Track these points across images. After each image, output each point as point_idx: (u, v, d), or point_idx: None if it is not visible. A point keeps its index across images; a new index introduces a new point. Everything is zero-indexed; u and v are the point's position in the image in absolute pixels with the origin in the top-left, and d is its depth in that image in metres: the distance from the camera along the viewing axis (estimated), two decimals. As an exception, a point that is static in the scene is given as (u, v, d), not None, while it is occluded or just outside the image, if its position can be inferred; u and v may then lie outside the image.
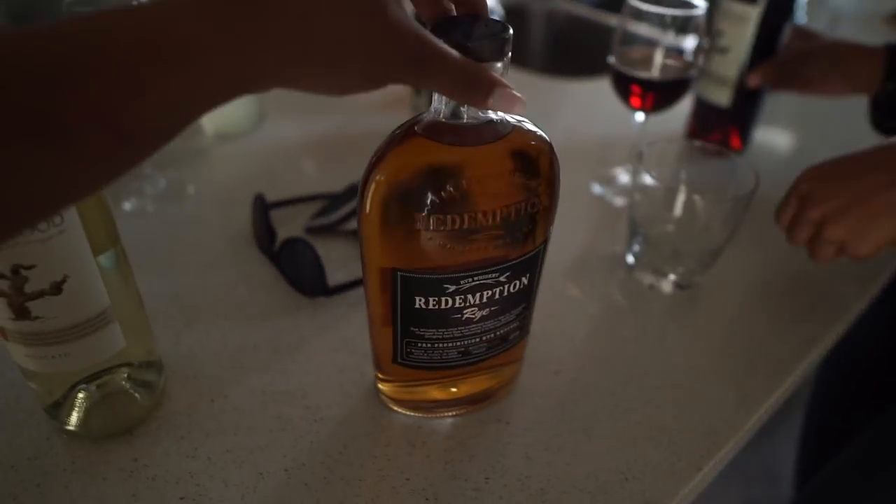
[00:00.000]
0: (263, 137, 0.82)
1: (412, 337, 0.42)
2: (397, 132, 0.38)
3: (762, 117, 0.84)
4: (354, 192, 0.66)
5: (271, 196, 0.67)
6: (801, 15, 1.19)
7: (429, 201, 0.36)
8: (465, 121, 0.37)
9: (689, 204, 0.57)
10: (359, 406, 0.48)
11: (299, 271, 0.57)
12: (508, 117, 0.38)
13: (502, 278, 0.40)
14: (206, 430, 0.46)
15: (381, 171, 0.37)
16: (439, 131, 0.37)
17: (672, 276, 0.61)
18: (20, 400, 0.48)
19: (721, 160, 0.62)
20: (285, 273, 0.58)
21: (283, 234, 0.63)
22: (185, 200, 0.70)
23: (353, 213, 0.65)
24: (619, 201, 0.74)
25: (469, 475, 0.44)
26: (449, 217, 0.36)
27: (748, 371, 0.53)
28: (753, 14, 0.74)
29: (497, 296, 0.41)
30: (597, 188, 0.75)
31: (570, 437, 0.47)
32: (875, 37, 1.26)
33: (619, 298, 0.60)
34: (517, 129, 0.38)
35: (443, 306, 0.40)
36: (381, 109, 0.89)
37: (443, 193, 0.36)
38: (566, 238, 0.67)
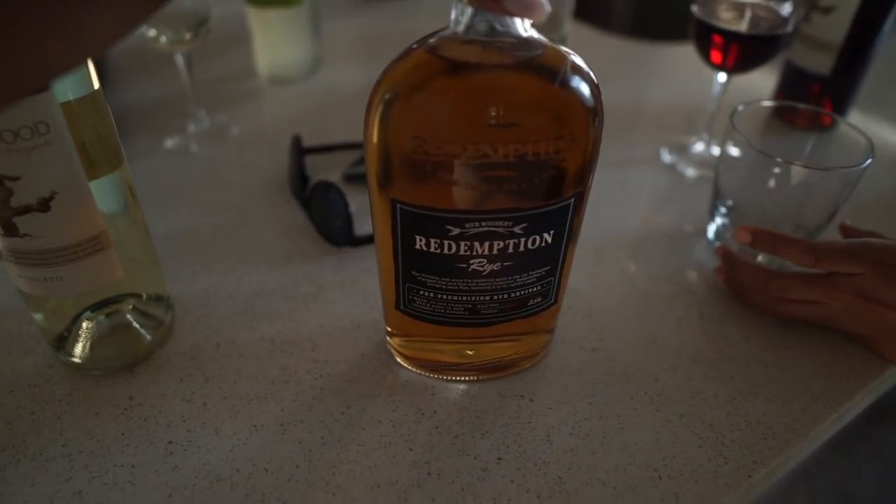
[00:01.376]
0: (318, 84, 0.79)
1: (413, 283, 0.38)
2: (413, 45, 0.33)
3: (861, 93, 0.74)
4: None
5: (316, 141, 0.64)
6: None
7: (433, 124, 0.31)
8: (485, 37, 0.32)
9: (786, 174, 0.49)
10: (369, 365, 0.44)
11: (327, 218, 0.53)
12: (543, 39, 0.33)
13: (517, 230, 0.35)
14: (206, 374, 0.43)
15: (382, 88, 0.32)
16: (454, 47, 0.32)
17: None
18: (31, 326, 0.46)
19: (819, 128, 0.54)
20: (313, 219, 0.55)
21: (318, 179, 0.60)
22: (227, 141, 0.68)
23: (393, 164, 0.61)
24: (692, 172, 0.66)
25: (479, 453, 0.39)
26: (454, 146, 0.31)
27: (820, 371, 0.46)
28: (867, -33, 0.64)
29: (511, 249, 0.36)
30: (667, 157, 0.68)
31: (601, 424, 0.41)
32: None
33: (678, 277, 0.53)
34: (550, 53, 0.33)
35: (445, 251, 0.36)
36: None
37: (450, 117, 0.31)
38: (628, 207, 0.61)
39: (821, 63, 0.71)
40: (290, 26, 0.75)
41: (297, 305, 0.49)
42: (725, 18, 0.60)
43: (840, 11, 0.67)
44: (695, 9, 0.61)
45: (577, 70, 0.33)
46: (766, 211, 0.52)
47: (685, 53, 0.91)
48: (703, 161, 0.67)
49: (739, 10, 0.60)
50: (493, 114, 0.32)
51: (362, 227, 0.53)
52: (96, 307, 0.42)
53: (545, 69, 0.33)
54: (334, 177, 0.61)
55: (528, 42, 0.32)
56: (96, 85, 0.36)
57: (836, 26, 0.68)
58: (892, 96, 0.86)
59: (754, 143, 0.50)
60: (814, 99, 0.74)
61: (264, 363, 0.44)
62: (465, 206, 0.34)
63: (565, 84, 0.33)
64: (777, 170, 0.49)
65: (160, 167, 0.63)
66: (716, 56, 0.61)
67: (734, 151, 0.51)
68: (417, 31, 0.95)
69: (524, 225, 0.35)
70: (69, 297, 0.40)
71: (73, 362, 0.43)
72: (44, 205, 0.35)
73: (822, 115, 0.58)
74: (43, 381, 0.43)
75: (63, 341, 0.42)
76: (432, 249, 0.36)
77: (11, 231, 0.35)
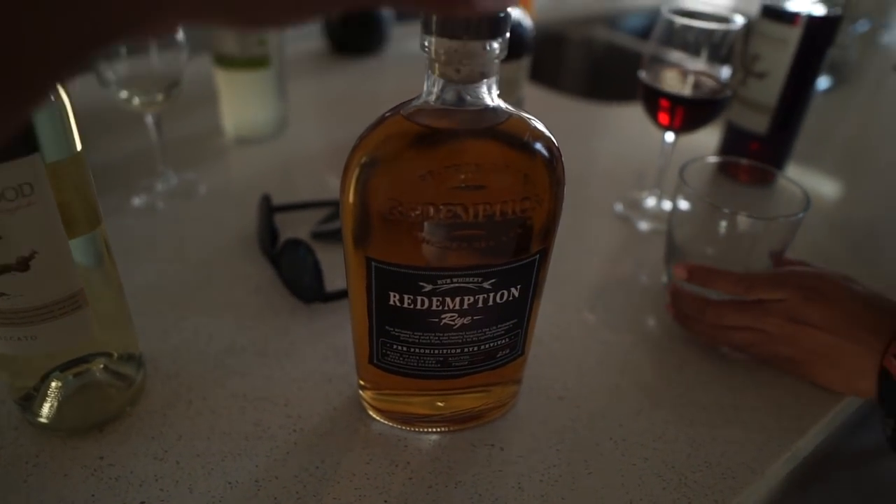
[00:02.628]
0: (284, 143, 0.81)
1: (387, 337, 0.39)
2: (385, 113, 0.36)
3: (796, 150, 0.79)
4: (365, 199, 0.64)
5: (283, 199, 0.66)
6: (853, 53, 1.15)
7: (407, 187, 0.33)
8: (457, 105, 0.34)
9: (732, 224, 0.53)
10: (342, 419, 0.45)
11: (297, 275, 0.54)
12: (507, 107, 0.35)
13: (486, 285, 0.37)
14: (178, 432, 0.43)
15: (360, 152, 0.34)
16: (427, 115, 0.34)
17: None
18: (-5, 387, 0.46)
19: (760, 182, 0.58)
20: (283, 276, 0.56)
21: (287, 237, 0.61)
22: (195, 199, 0.69)
23: (361, 221, 0.62)
24: (644, 226, 0.70)
25: (453, 502, 0.40)
26: (424, 207, 0.34)
27: (773, 411, 0.48)
28: (793, 36, 0.70)
29: (481, 304, 0.38)
30: (621, 210, 0.72)
31: (569, 469, 0.43)
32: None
33: (637, 325, 0.56)
34: (517, 120, 0.35)
35: (418, 306, 0.37)
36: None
37: (421, 181, 0.33)
38: (584, 259, 0.64)
39: (758, 122, 0.76)
40: (256, 87, 0.78)
41: (269, 361, 0.49)
42: (670, 83, 0.65)
43: (772, 76, 0.73)
44: (642, 74, 0.65)
45: (539, 135, 0.36)
46: (715, 259, 0.55)
47: (632, 113, 0.97)
48: (655, 214, 0.71)
49: (683, 75, 0.65)
50: (463, 177, 0.34)
51: (331, 283, 0.55)
52: (66, 366, 0.42)
53: (511, 135, 0.35)
54: (303, 234, 0.63)
55: (495, 110, 0.35)
56: (79, 146, 0.37)
57: (769, 90, 0.74)
58: (824, 153, 0.92)
59: (703, 196, 0.53)
60: (753, 156, 0.79)
61: (237, 419, 0.44)
62: (437, 263, 0.36)
63: (528, 147, 0.35)
64: (724, 221, 0.53)
65: (128, 225, 0.64)
66: (663, 118, 0.65)
67: (685, 205, 0.55)
68: (380, 91, 0.99)
69: (493, 280, 0.37)
70: (42, 356, 0.40)
71: (41, 423, 0.42)
72: (23, 264, 0.35)
73: (762, 170, 0.62)
74: (8, 442, 0.42)
75: (30, 401, 0.42)
76: (406, 305, 0.38)
77: (-12, 292, 0.35)
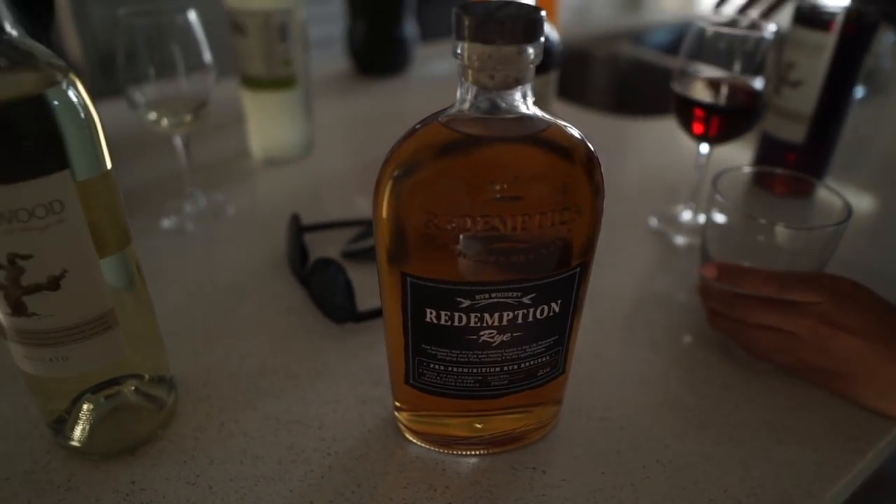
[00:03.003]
0: (311, 164, 0.81)
1: (424, 356, 0.38)
2: (417, 127, 0.35)
3: (835, 161, 0.77)
4: (395, 217, 0.63)
5: (311, 219, 0.65)
6: (886, 59, 1.13)
7: (443, 199, 0.32)
8: (492, 113, 0.33)
9: (770, 236, 0.51)
10: (378, 441, 0.44)
11: (329, 295, 0.53)
12: (544, 115, 0.34)
13: (526, 300, 0.36)
14: (211, 456, 0.42)
15: (394, 162, 0.33)
16: (463, 123, 0.33)
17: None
18: (28, 410, 0.45)
19: (798, 193, 0.56)
20: (314, 296, 0.55)
21: (317, 256, 0.60)
22: (224, 220, 0.68)
23: (391, 239, 0.61)
24: (680, 240, 0.68)
25: (495, 528, 0.38)
26: (462, 219, 0.32)
27: (829, 431, 0.46)
28: (828, 42, 0.68)
29: (520, 320, 0.36)
30: (656, 225, 0.70)
31: (616, 494, 0.41)
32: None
33: (678, 342, 0.54)
34: (553, 128, 0.34)
35: (456, 323, 0.36)
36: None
37: (458, 191, 0.32)
38: (622, 275, 0.62)
39: (794, 132, 0.74)
40: (283, 109, 0.78)
41: (301, 383, 0.48)
42: (703, 93, 0.63)
43: (808, 84, 0.71)
44: (675, 85, 0.64)
45: (577, 144, 0.35)
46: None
47: (662, 127, 0.95)
48: (692, 229, 0.69)
49: (716, 85, 0.63)
50: (500, 187, 0.33)
51: (364, 302, 0.54)
52: (97, 388, 0.41)
53: (549, 143, 0.34)
54: (333, 254, 0.62)
55: (531, 118, 0.34)
56: (109, 165, 0.36)
57: (805, 98, 0.72)
58: (862, 164, 0.90)
59: (738, 206, 0.51)
60: (790, 167, 0.77)
61: (270, 443, 0.43)
62: (475, 277, 0.35)
63: (568, 156, 0.34)
64: (761, 234, 0.51)
65: (157, 247, 0.63)
66: (697, 128, 0.63)
67: (719, 217, 0.53)
68: (405, 111, 0.99)
69: (533, 295, 0.36)
70: (73, 377, 0.39)
71: (73, 446, 0.42)
72: (54, 283, 0.35)
73: (799, 181, 0.60)
74: (40, 467, 0.41)
75: (62, 424, 0.41)
76: (443, 322, 0.36)
77: (20, 310, 0.35)
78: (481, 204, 0.33)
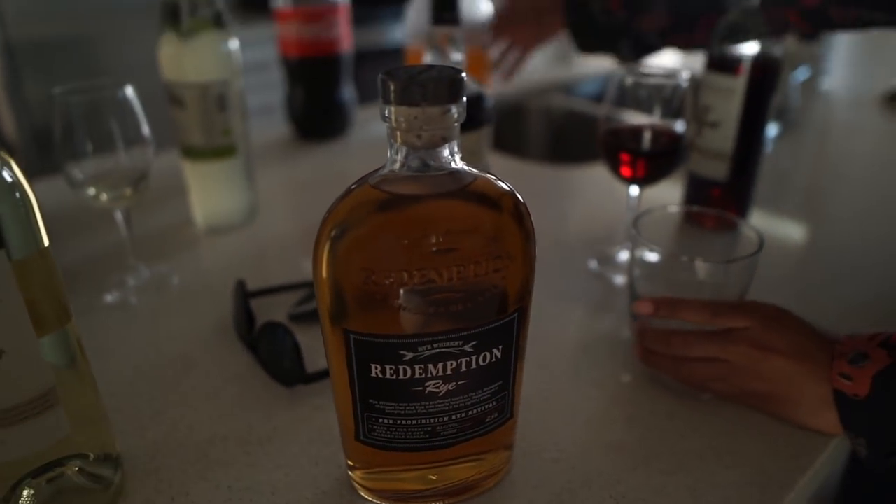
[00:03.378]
0: (255, 231, 0.81)
1: (372, 411, 0.38)
2: (352, 185, 0.36)
3: (759, 194, 0.82)
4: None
5: (257, 285, 0.65)
6: (796, 98, 1.21)
7: (378, 256, 0.34)
8: (423, 171, 0.35)
9: (692, 271, 0.53)
10: (332, 502, 0.43)
11: (277, 358, 0.53)
12: (471, 169, 0.36)
13: (468, 348, 0.37)
14: (160, 533, 0.41)
15: (330, 223, 0.35)
16: (393, 182, 0.35)
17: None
18: (-37, 504, 0.43)
19: (724, 227, 0.59)
20: (262, 360, 0.55)
21: (264, 321, 0.60)
22: (168, 291, 0.68)
23: (338, 298, 0.62)
24: (619, 279, 0.70)
25: (454, 579, 0.38)
26: (398, 274, 0.34)
27: (769, 452, 0.47)
28: (738, 85, 0.73)
29: (464, 368, 0.37)
30: (595, 266, 0.72)
31: (571, 533, 0.41)
32: (870, 119, 1.26)
33: (623, 379, 0.56)
34: (480, 180, 0.36)
35: (401, 375, 0.37)
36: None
37: (393, 248, 0.33)
38: (564, 318, 0.64)
39: (717, 170, 0.78)
40: (225, 177, 0.78)
41: (253, 450, 0.47)
42: (628, 139, 0.67)
43: (724, 125, 0.76)
44: (602, 132, 0.68)
45: (504, 193, 0.36)
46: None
47: (595, 174, 0.99)
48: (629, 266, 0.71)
49: (640, 131, 0.67)
50: (434, 241, 0.34)
51: (312, 364, 0.54)
52: (39, 472, 0.40)
53: (478, 195, 0.36)
54: (280, 318, 0.62)
55: (459, 172, 0.36)
56: (46, 242, 0.36)
57: (723, 138, 0.77)
58: (783, 196, 0.95)
59: (657, 244, 0.54)
60: (717, 203, 0.81)
61: (222, 513, 0.42)
62: (416, 330, 0.36)
63: (496, 206, 0.36)
64: (684, 269, 0.54)
65: (101, 322, 0.62)
66: (625, 171, 0.67)
67: (644, 255, 0.56)
68: (347, 172, 1.00)
69: (474, 343, 0.37)
70: (11, 461, 0.38)
71: (14, 537, 0.40)
72: (-9, 367, 0.34)
73: (722, 216, 0.64)
74: (-22, 563, 0.40)
75: (2, 510, 0.40)
76: (388, 375, 0.37)
77: (-47, 398, 0.34)
78: (417, 258, 0.34)
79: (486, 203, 0.36)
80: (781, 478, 0.45)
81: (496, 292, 0.36)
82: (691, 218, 0.63)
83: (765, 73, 0.73)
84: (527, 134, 1.40)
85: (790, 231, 0.84)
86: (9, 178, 0.34)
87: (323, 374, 0.53)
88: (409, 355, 0.36)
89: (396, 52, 2.45)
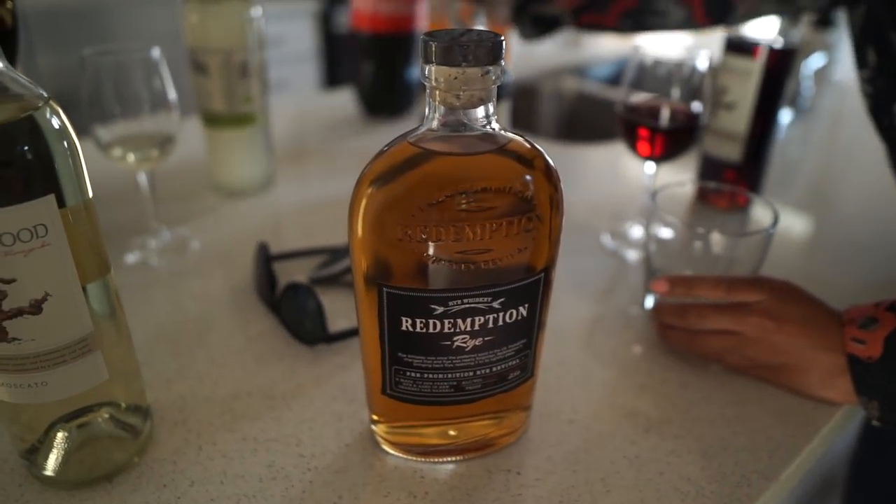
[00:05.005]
0: (271, 197, 0.82)
1: (400, 364, 0.40)
2: (389, 143, 0.37)
3: (769, 178, 0.83)
4: (360, 243, 0.65)
5: (276, 248, 0.66)
6: (808, 86, 1.21)
7: (416, 211, 0.35)
8: (458, 131, 0.36)
9: (707, 245, 0.55)
10: (356, 455, 0.45)
11: (300, 318, 0.54)
12: (505, 131, 0.37)
13: (496, 304, 0.38)
14: (190, 478, 0.43)
15: (366, 179, 0.36)
16: (431, 140, 0.36)
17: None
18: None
19: (736, 206, 0.60)
20: (285, 320, 0.56)
21: (286, 282, 0.61)
22: (188, 254, 0.69)
23: (357, 264, 0.63)
24: (632, 255, 0.71)
25: (475, 528, 0.40)
26: (435, 229, 0.35)
27: (778, 421, 0.49)
28: (755, 68, 0.74)
29: (491, 324, 0.38)
30: (609, 242, 0.73)
31: (587, 489, 0.43)
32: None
33: (636, 348, 0.57)
34: (514, 142, 0.37)
35: (430, 329, 0.38)
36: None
37: (430, 203, 0.34)
38: (580, 290, 0.65)
39: (731, 151, 0.79)
40: (245, 144, 0.79)
41: (277, 404, 0.49)
42: (646, 117, 0.68)
43: (740, 107, 0.77)
44: (620, 110, 0.68)
45: (537, 154, 0.37)
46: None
47: (609, 152, 1.00)
48: (642, 244, 0.72)
49: (657, 109, 0.68)
50: (468, 198, 0.35)
51: (333, 325, 0.55)
52: (71, 417, 0.41)
53: (512, 155, 0.37)
54: (299, 280, 0.63)
55: (495, 134, 0.37)
56: (90, 193, 0.37)
57: (738, 119, 0.78)
58: (794, 181, 0.96)
59: (673, 217, 0.55)
60: (729, 184, 0.82)
61: (249, 462, 0.44)
62: (446, 285, 0.37)
63: (529, 166, 0.37)
64: (699, 241, 0.55)
65: (122, 282, 0.63)
66: (643, 148, 0.68)
67: (660, 230, 0.57)
68: (365, 146, 1.01)
69: (502, 300, 0.38)
70: (51, 403, 0.39)
71: (47, 476, 0.41)
72: (36, 307, 0.35)
73: (734, 194, 0.66)
74: (13, 500, 0.41)
75: (35, 454, 0.41)
76: (418, 329, 0.38)
77: (0, 336, 0.35)
78: (451, 214, 0.35)
79: (521, 162, 0.37)
80: (789, 444, 0.47)
81: (526, 252, 0.38)
82: (703, 197, 0.65)
83: (782, 57, 0.74)
84: (539, 115, 1.40)
85: (799, 216, 0.85)
86: (57, 125, 0.35)
87: (345, 335, 0.54)
88: (440, 309, 0.37)
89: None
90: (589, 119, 1.36)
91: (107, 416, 0.42)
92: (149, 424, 0.45)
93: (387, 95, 1.10)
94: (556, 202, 0.38)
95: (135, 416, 0.44)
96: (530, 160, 0.37)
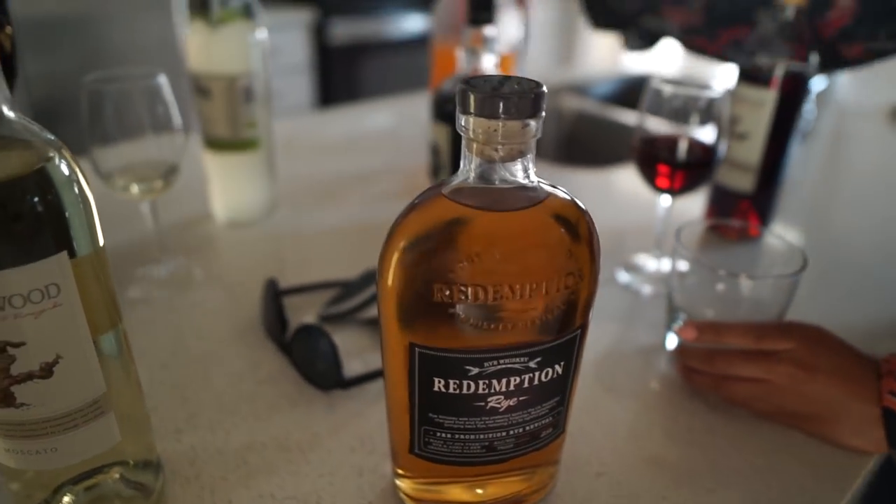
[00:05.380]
0: (275, 226, 0.80)
1: (430, 424, 0.38)
2: (422, 195, 0.35)
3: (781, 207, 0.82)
4: (371, 279, 0.63)
5: (282, 282, 0.64)
6: (809, 109, 1.21)
7: (452, 270, 0.33)
8: (495, 184, 0.34)
9: (733, 286, 0.53)
10: (379, 513, 0.43)
11: (313, 361, 0.52)
12: (543, 184, 0.35)
13: (532, 364, 0.36)
14: (205, 542, 0.40)
15: (401, 235, 0.34)
16: (467, 194, 0.34)
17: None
18: (2, 499, 0.42)
19: (748, 238, 0.60)
20: (297, 363, 0.54)
21: (295, 322, 0.59)
22: (192, 287, 0.66)
23: (370, 301, 0.61)
24: (647, 289, 0.70)
25: None
26: (472, 289, 0.33)
27: (811, 471, 0.47)
28: (769, 98, 0.73)
29: (526, 384, 0.37)
30: (624, 277, 0.72)
31: (621, 551, 0.41)
32: (880, 131, 1.27)
33: (660, 391, 0.55)
34: (553, 196, 0.35)
35: (464, 391, 0.36)
36: (399, 197, 0.87)
37: (467, 262, 0.33)
38: (598, 329, 0.63)
39: (743, 182, 0.78)
40: (248, 170, 0.77)
41: (293, 457, 0.47)
42: (664, 150, 0.66)
43: (753, 137, 0.76)
44: (637, 142, 0.67)
45: (577, 210, 0.36)
46: (721, 318, 0.55)
47: (617, 178, 0.99)
48: (657, 278, 0.71)
49: (675, 141, 0.67)
50: (506, 256, 0.33)
51: (347, 368, 0.53)
52: (78, 479, 0.39)
53: (551, 211, 0.35)
54: (309, 317, 0.61)
55: (534, 187, 0.35)
56: (102, 241, 0.35)
57: (752, 149, 0.77)
58: (795, 204, 0.95)
59: (701, 259, 0.54)
60: (741, 214, 0.81)
61: (266, 522, 0.42)
62: (482, 345, 0.35)
63: (569, 224, 0.35)
64: (724, 283, 0.54)
65: (126, 319, 0.61)
66: (662, 182, 0.66)
67: (684, 268, 0.56)
68: (367, 173, 0.99)
69: (538, 359, 0.36)
70: (61, 468, 0.37)
71: (54, 542, 0.39)
72: (47, 370, 0.33)
73: (749, 228, 0.65)
74: (16, 569, 0.38)
75: (40, 517, 0.39)
76: (451, 390, 0.36)
77: (8, 401, 0.33)
78: (488, 273, 0.33)
79: (559, 220, 0.35)
80: (823, 499, 0.45)
81: (564, 309, 0.36)
82: (717, 228, 0.64)
83: (795, 87, 0.73)
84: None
85: (809, 243, 0.85)
86: (68, 173, 0.33)
87: (361, 380, 0.52)
88: (475, 370, 0.36)
89: (400, 45, 2.43)
90: (590, 140, 1.35)
91: (117, 476, 0.40)
92: (160, 481, 0.43)
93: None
94: (594, 258, 0.36)
95: (145, 473, 0.42)
96: (568, 217, 0.35)
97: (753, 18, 0.79)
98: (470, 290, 0.33)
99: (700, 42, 0.85)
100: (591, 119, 1.35)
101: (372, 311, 0.60)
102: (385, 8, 2.38)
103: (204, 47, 0.70)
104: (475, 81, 0.33)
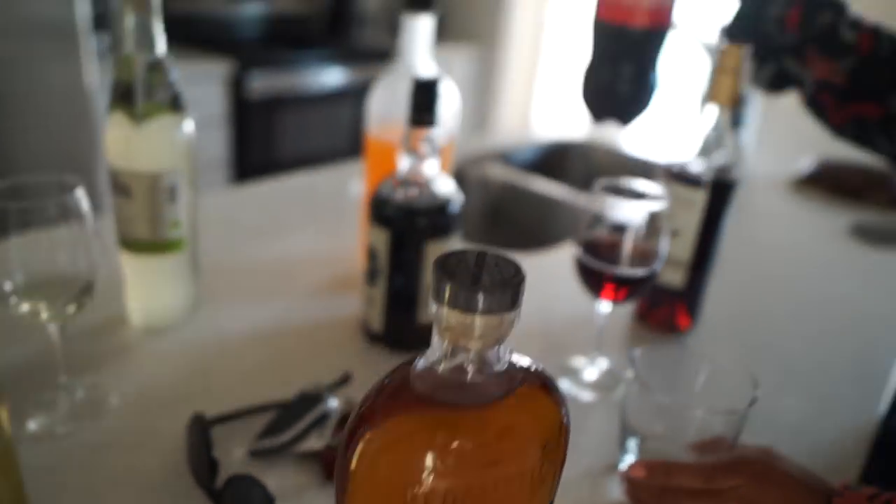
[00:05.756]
0: (198, 330, 0.74)
1: None
2: (388, 382, 0.33)
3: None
4: (307, 402, 0.58)
5: (209, 405, 0.59)
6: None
7: (416, 465, 0.31)
8: (468, 371, 0.32)
9: (686, 415, 0.54)
10: None
11: (248, 514, 0.48)
12: (521, 363, 0.34)
13: None
14: None
15: (371, 433, 0.32)
16: (437, 385, 0.32)
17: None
18: None
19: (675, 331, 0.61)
20: (231, 516, 0.49)
21: (224, 458, 0.54)
22: (105, 416, 0.59)
23: (306, 431, 0.56)
24: (587, 396, 0.69)
25: None
26: (441, 480, 0.31)
27: None
28: (699, 198, 0.75)
29: None
30: (563, 383, 0.71)
31: None
32: (783, 202, 1.34)
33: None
34: (528, 384, 0.34)
35: None
36: (329, 291, 0.83)
37: (433, 457, 0.31)
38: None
39: (674, 278, 0.80)
40: (170, 272, 0.71)
41: None
42: (606, 259, 0.66)
43: (684, 234, 0.78)
44: (581, 255, 0.67)
45: (555, 398, 0.34)
46: (673, 441, 0.56)
47: (536, 262, 0.98)
48: (598, 384, 0.71)
49: (615, 249, 0.67)
50: (480, 452, 0.32)
51: (287, 516, 0.48)
52: None
53: (526, 402, 0.33)
54: (240, 453, 0.56)
55: (509, 374, 0.33)
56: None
57: (683, 246, 0.78)
58: (729, 300, 0.98)
59: (654, 386, 0.55)
60: (671, 308, 0.83)
61: None
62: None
63: (544, 415, 0.34)
64: (681, 409, 0.55)
65: (24, 461, 0.53)
66: (607, 294, 0.66)
67: (636, 391, 0.56)
68: (292, 259, 0.93)
69: None
70: None
71: None
72: None
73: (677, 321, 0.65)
74: None
75: None
76: None
77: None
78: (459, 469, 0.31)
79: (537, 412, 0.34)
80: None
81: (536, 493, 0.34)
82: (643, 317, 0.64)
83: (725, 188, 0.76)
84: (465, 205, 1.39)
85: (736, 342, 0.87)
86: None
87: (302, 536, 0.48)
88: None
89: (318, 99, 2.40)
90: (514, 213, 1.36)
91: None
92: None
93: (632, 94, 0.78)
94: (567, 441, 0.35)
95: None
96: (545, 407, 0.34)
97: (888, 102, 0.74)
98: (435, 484, 0.31)
99: (827, 101, 0.77)
100: (515, 190, 1.36)
101: (309, 443, 0.56)
102: (303, 62, 2.34)
103: (125, 143, 0.64)
104: (451, 268, 0.31)
